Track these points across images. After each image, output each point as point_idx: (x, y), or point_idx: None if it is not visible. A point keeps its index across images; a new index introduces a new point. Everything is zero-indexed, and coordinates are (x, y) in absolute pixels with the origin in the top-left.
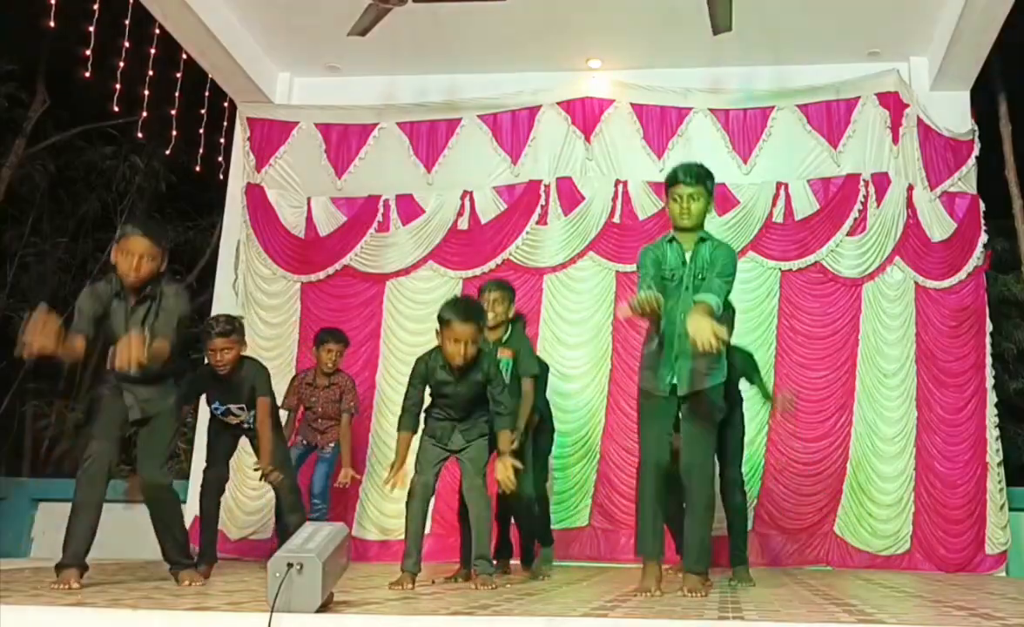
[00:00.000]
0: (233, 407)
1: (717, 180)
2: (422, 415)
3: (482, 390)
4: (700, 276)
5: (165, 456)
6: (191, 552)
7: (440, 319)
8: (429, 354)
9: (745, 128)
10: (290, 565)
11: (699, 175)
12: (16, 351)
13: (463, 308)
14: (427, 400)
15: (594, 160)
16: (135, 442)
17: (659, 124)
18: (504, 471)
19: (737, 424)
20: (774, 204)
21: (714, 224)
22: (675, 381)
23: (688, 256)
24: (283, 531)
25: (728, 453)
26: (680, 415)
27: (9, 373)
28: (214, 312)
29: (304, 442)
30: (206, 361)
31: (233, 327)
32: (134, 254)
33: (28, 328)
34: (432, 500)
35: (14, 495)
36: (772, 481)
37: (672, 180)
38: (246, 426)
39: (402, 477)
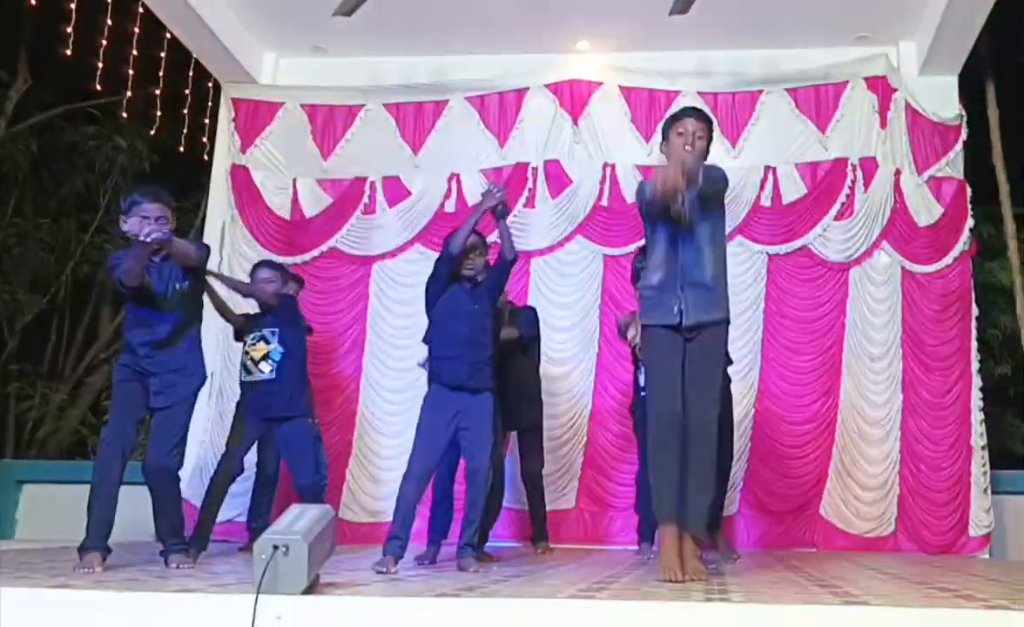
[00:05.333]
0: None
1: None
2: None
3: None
4: (699, 204)
5: (176, 442)
6: (184, 536)
7: None
8: None
9: (734, 111)
10: (276, 547)
11: (707, 117)
12: None
13: None
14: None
15: (582, 143)
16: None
17: (647, 107)
18: None
19: (724, 402)
20: (762, 188)
21: None
22: (683, 309)
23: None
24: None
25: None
26: (686, 356)
27: None
28: None
29: None
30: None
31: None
32: (150, 218)
33: None
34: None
35: None
36: (758, 463)
37: (678, 116)
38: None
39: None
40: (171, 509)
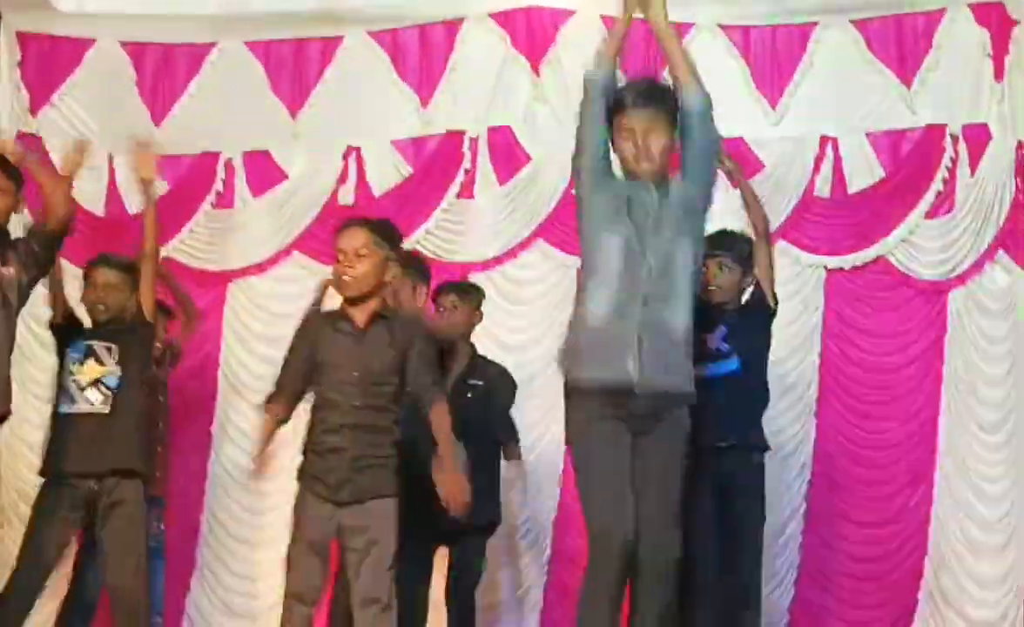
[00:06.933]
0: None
1: (733, 130)
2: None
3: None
4: (677, 214)
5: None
6: None
7: None
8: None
9: (774, 56)
10: None
11: (666, 100)
12: None
13: None
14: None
15: (545, 101)
16: None
17: (643, 48)
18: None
19: (754, 494)
20: (816, 169)
21: (728, 199)
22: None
23: (658, 196)
24: None
25: (741, 543)
26: (636, 441)
27: None
28: None
29: None
30: None
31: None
32: None
33: None
34: None
35: None
36: (811, 587)
37: (621, 100)
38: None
39: None
40: None
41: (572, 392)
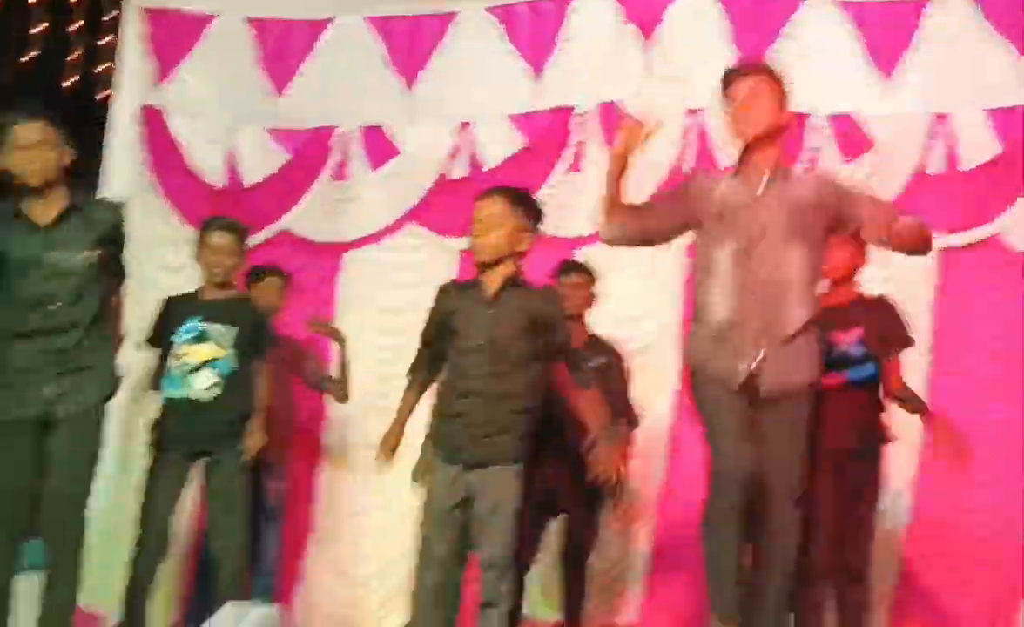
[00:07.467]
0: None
1: (844, 104)
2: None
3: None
4: (788, 217)
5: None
6: None
7: None
8: None
9: (888, 28)
10: None
11: (770, 72)
12: None
13: None
14: None
15: (657, 76)
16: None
17: (753, 19)
18: None
19: (872, 483)
20: (929, 146)
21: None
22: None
23: (764, 183)
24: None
25: (852, 529)
26: (756, 420)
27: None
28: None
29: None
30: None
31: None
32: (28, 147)
33: None
34: None
35: None
36: (921, 575)
37: (728, 75)
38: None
39: None
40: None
41: (695, 370)
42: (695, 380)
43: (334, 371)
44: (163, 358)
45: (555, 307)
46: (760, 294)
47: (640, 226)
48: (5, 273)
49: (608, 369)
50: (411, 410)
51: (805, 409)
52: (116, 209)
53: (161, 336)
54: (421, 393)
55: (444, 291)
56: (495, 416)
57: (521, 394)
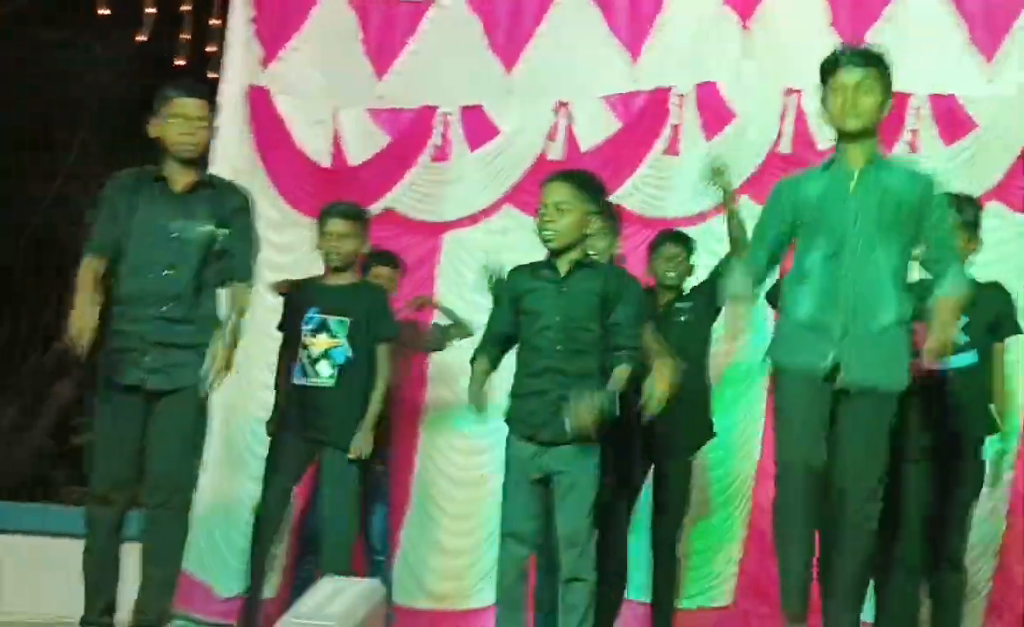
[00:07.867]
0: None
1: (946, 87)
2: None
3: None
4: (879, 213)
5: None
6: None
7: None
8: None
9: (991, 8)
10: None
11: (877, 60)
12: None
13: None
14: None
15: (753, 57)
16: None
17: (852, 5)
18: None
19: (969, 479)
20: None
21: (939, 158)
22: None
23: (856, 177)
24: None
25: (950, 518)
26: (837, 415)
27: None
28: None
29: None
30: None
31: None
32: (190, 119)
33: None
34: None
35: None
36: (1020, 562)
37: (832, 62)
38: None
39: None
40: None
41: (779, 369)
42: (777, 378)
43: (443, 322)
44: (287, 345)
45: (623, 284)
46: (848, 291)
47: (758, 272)
48: (132, 234)
49: (695, 312)
50: (482, 383)
51: (889, 411)
52: (245, 196)
53: (287, 321)
54: (488, 373)
55: (516, 272)
56: (570, 393)
57: (594, 374)
